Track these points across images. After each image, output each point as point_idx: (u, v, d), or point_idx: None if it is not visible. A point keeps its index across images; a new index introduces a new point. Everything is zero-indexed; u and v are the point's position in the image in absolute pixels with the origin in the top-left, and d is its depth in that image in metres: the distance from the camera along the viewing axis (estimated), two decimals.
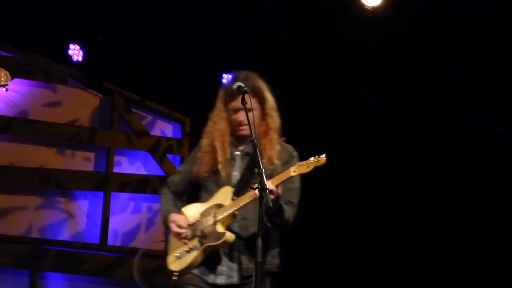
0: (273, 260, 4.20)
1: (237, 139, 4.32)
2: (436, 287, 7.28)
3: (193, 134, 8.24)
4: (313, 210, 7.69)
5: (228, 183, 4.20)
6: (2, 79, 4.16)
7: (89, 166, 7.99)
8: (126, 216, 8.02)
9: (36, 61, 7.74)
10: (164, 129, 8.34)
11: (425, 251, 7.36)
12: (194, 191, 4.42)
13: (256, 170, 3.86)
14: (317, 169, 3.93)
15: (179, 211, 4.30)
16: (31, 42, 7.57)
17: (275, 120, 4.30)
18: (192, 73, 7.65)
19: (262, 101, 4.27)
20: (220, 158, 4.22)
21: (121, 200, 7.99)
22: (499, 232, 6.99)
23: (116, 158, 8.04)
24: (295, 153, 4.25)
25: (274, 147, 4.21)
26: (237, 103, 4.18)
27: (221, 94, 4.37)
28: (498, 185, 7.05)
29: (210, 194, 4.22)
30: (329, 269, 7.71)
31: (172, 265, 4.22)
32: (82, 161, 7.96)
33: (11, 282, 7.47)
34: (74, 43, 7.50)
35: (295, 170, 3.98)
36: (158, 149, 8.10)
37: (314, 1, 6.87)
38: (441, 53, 6.90)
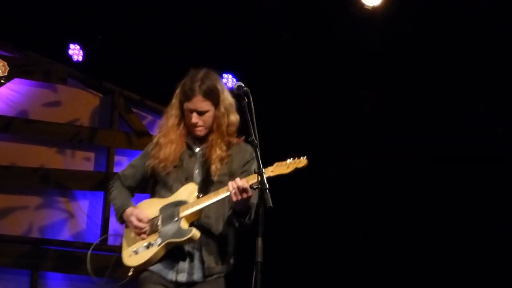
0: (230, 260, 4.20)
1: (195, 138, 4.29)
2: (436, 287, 7.28)
3: None
4: (313, 210, 7.71)
5: (191, 179, 4.16)
6: (0, 70, 4.12)
7: (89, 166, 7.99)
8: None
9: (36, 61, 7.75)
10: None
11: (425, 251, 7.36)
12: (145, 186, 4.37)
13: (256, 170, 3.86)
14: (297, 171, 3.88)
15: (136, 206, 4.26)
16: (31, 42, 7.58)
17: (230, 117, 4.26)
18: None
19: (216, 103, 4.24)
20: (173, 151, 4.19)
21: None
22: (499, 232, 6.99)
23: (116, 158, 8.04)
24: (254, 154, 4.16)
25: (218, 149, 4.19)
26: (191, 104, 4.19)
27: (178, 91, 4.35)
28: (498, 185, 7.05)
29: (170, 190, 4.18)
30: (329, 269, 7.71)
31: (128, 260, 4.19)
32: (82, 161, 7.96)
33: (12, 282, 7.47)
34: (74, 43, 7.50)
35: (273, 170, 3.93)
36: None
37: (314, 1, 6.87)
38: (441, 53, 6.90)
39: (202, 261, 4.10)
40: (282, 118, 7.51)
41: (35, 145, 7.76)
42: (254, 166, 4.10)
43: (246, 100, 4.02)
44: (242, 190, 3.91)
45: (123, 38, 7.49)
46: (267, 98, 7.05)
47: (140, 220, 4.14)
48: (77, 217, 7.83)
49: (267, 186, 3.80)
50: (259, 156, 3.89)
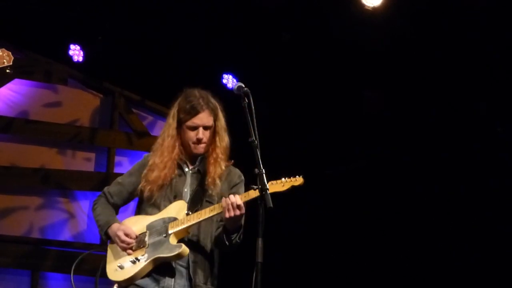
0: (215, 281, 4.19)
1: (189, 157, 4.28)
2: (436, 287, 7.29)
3: None
4: (313, 210, 7.71)
5: (179, 198, 4.16)
6: (5, 60, 4.11)
7: (90, 166, 8.00)
8: (126, 216, 7.96)
9: (37, 61, 7.76)
10: None
11: (425, 251, 7.36)
12: (128, 203, 4.39)
13: (256, 170, 3.86)
14: (294, 188, 3.88)
15: (122, 222, 4.24)
16: (31, 43, 7.59)
17: (224, 140, 4.27)
18: (192, 73, 7.65)
19: (215, 119, 4.25)
20: (164, 175, 4.18)
21: None
22: (499, 232, 6.99)
23: (117, 158, 8.05)
24: (243, 177, 4.23)
25: (219, 167, 4.20)
26: (198, 120, 4.19)
27: (174, 111, 4.34)
28: (498, 185, 7.05)
29: (158, 208, 4.17)
30: (329, 269, 7.71)
31: (113, 275, 4.13)
32: (83, 161, 7.97)
33: (12, 282, 7.48)
34: (74, 44, 7.51)
35: (268, 188, 3.86)
36: None
37: (314, 1, 6.86)
38: (441, 53, 6.90)
39: (189, 279, 4.08)
40: (282, 118, 7.51)
41: (36, 146, 7.77)
42: (242, 190, 4.17)
43: (246, 100, 4.02)
44: (236, 207, 3.91)
45: (123, 38, 7.49)
46: (267, 98, 7.06)
47: (127, 235, 4.12)
48: (77, 218, 7.84)
49: (267, 187, 3.80)
50: (259, 157, 3.88)
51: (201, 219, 4.01)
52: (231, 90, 4.68)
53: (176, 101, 4.36)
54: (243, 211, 3.93)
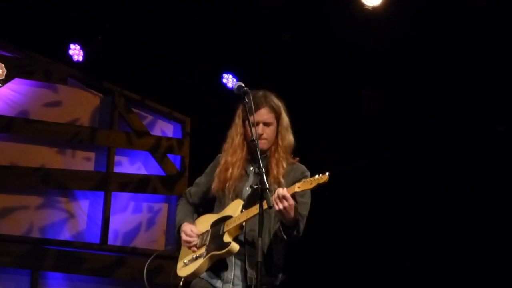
0: (277, 274, 4.29)
1: (253, 156, 4.34)
2: (436, 287, 7.29)
3: (193, 134, 8.25)
4: (313, 210, 7.70)
5: (239, 197, 4.27)
6: None
7: (90, 166, 8.00)
8: (126, 216, 8.03)
9: (37, 61, 7.76)
10: (165, 129, 8.36)
11: (425, 252, 7.36)
12: (209, 203, 4.53)
13: (256, 169, 3.89)
14: (319, 186, 3.97)
15: (193, 221, 4.44)
16: (31, 42, 7.59)
17: (287, 139, 4.37)
18: (192, 73, 7.66)
19: (278, 117, 4.35)
20: (234, 174, 4.30)
21: (121, 200, 8.01)
22: (499, 232, 6.99)
23: (117, 158, 8.05)
24: (307, 173, 4.29)
25: (281, 166, 4.28)
26: (258, 116, 4.26)
27: (239, 111, 4.41)
28: (499, 185, 7.05)
29: (223, 206, 4.32)
30: (329, 269, 7.72)
31: (180, 271, 4.35)
32: (83, 161, 7.97)
33: (12, 281, 7.48)
34: (74, 43, 7.51)
35: (300, 186, 4.02)
36: (159, 149, 8.12)
37: (314, 1, 6.87)
38: (441, 53, 6.90)
39: (245, 272, 4.19)
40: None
41: (36, 145, 7.77)
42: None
43: (246, 100, 4.05)
44: (282, 197, 3.95)
45: (123, 38, 7.49)
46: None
47: (188, 235, 4.30)
48: (77, 217, 7.83)
49: (267, 186, 3.85)
50: (259, 157, 3.92)
51: (249, 216, 4.11)
52: (231, 89, 4.70)
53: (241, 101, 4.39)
54: (291, 202, 3.97)
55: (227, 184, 4.30)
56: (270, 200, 3.85)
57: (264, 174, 3.88)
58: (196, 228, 4.34)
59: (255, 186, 3.94)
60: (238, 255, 4.18)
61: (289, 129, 4.41)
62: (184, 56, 7.53)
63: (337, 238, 7.69)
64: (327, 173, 3.97)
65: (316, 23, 7.03)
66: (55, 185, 7.73)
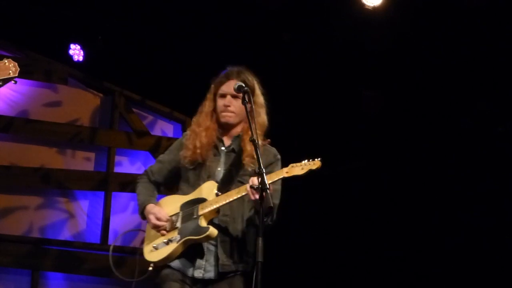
0: (249, 259, 4.20)
1: (223, 132, 4.30)
2: (437, 287, 7.29)
3: None
4: (313, 210, 7.71)
5: (212, 178, 4.19)
6: (11, 71, 4.11)
7: (90, 166, 8.00)
8: (126, 216, 8.03)
9: (37, 60, 7.75)
10: (165, 129, 8.35)
11: (425, 252, 7.37)
12: (172, 182, 4.40)
13: (256, 170, 3.87)
14: (311, 172, 3.89)
15: (157, 202, 4.30)
16: (32, 42, 7.58)
17: (261, 117, 4.29)
18: (192, 73, 7.65)
19: (252, 94, 4.24)
20: (205, 152, 4.21)
21: (121, 200, 8.00)
22: (499, 232, 6.99)
23: (117, 158, 8.05)
24: (278, 156, 4.24)
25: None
26: (226, 87, 4.24)
27: (212, 86, 4.39)
28: (499, 185, 7.05)
29: (193, 187, 4.21)
30: (329, 269, 7.72)
31: (148, 255, 4.23)
32: (83, 161, 7.97)
33: (12, 281, 7.48)
34: (74, 43, 7.51)
35: (288, 171, 3.96)
36: (159, 149, 8.09)
37: (314, 1, 6.87)
38: (442, 53, 6.90)
39: (217, 258, 4.13)
40: (282, 118, 7.50)
41: (36, 145, 7.77)
42: (277, 168, 4.16)
43: (247, 99, 4.03)
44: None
45: (123, 38, 7.49)
46: (267, 98, 7.05)
47: (158, 219, 4.18)
48: (77, 217, 7.83)
49: (268, 186, 3.82)
50: (259, 156, 3.89)
51: (227, 200, 4.04)
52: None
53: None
54: (270, 191, 3.89)
55: (197, 161, 4.19)
56: (270, 201, 3.81)
57: (264, 174, 3.81)
58: (164, 210, 4.21)
59: (255, 186, 3.86)
60: (211, 240, 4.10)
61: (264, 109, 4.32)
62: (184, 56, 7.53)
63: (337, 237, 7.69)
64: (319, 159, 3.92)
65: (316, 23, 7.03)
66: (55, 185, 7.73)
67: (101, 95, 8.14)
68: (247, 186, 3.94)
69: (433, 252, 7.30)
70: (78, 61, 7.54)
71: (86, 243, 7.76)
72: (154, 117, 8.33)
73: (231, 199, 4.03)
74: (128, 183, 7.94)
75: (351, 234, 7.66)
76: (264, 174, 3.83)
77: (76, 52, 7.52)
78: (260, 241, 3.76)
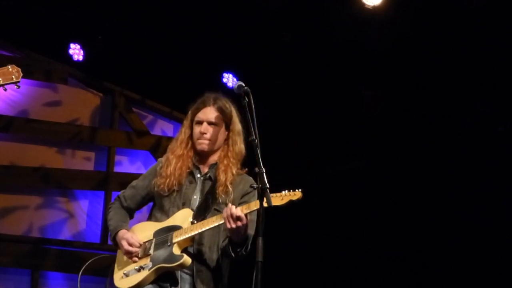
0: None
1: (200, 159, 4.26)
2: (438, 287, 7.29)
3: None
4: (313, 210, 7.71)
5: (188, 205, 4.13)
6: (14, 76, 4.12)
7: (90, 166, 8.00)
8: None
9: (37, 60, 7.75)
10: (165, 128, 8.35)
11: (425, 252, 7.37)
12: (142, 208, 4.36)
13: (256, 169, 3.85)
14: (291, 203, 3.84)
15: (130, 229, 4.24)
16: (31, 42, 7.58)
17: (237, 145, 4.25)
18: (192, 73, 7.65)
19: (228, 121, 4.24)
20: (178, 180, 4.16)
21: None
22: (499, 232, 6.99)
23: (117, 158, 8.05)
24: (255, 186, 4.06)
25: (229, 172, 4.16)
26: (202, 114, 4.21)
27: (188, 113, 4.36)
28: (499, 185, 7.05)
29: (166, 214, 4.15)
30: (329, 269, 7.71)
31: (118, 282, 4.14)
32: (83, 161, 7.97)
33: (12, 281, 7.48)
34: (74, 43, 7.51)
35: (268, 187, 3.85)
36: (159, 149, 8.10)
37: (314, 1, 6.87)
38: (442, 53, 6.90)
39: (193, 287, 4.06)
40: (282, 117, 7.51)
41: (36, 145, 7.77)
42: (254, 198, 4.08)
43: (247, 99, 4.01)
44: (236, 218, 3.87)
45: (123, 38, 7.49)
46: (267, 98, 7.06)
47: (130, 245, 4.13)
48: (77, 217, 7.83)
49: (267, 186, 3.80)
50: (259, 156, 3.88)
51: (203, 229, 3.98)
52: (231, 89, 4.68)
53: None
54: (245, 222, 3.88)
55: (172, 188, 4.13)
56: (271, 200, 3.78)
57: (264, 173, 3.79)
58: (137, 237, 4.14)
59: (255, 186, 3.85)
60: (186, 269, 4.04)
61: (241, 137, 4.26)
62: (184, 56, 7.53)
63: (337, 237, 7.69)
64: (299, 190, 3.86)
65: (316, 23, 7.03)
66: (55, 185, 7.73)
67: (101, 94, 8.14)
68: (224, 213, 3.89)
69: (433, 252, 7.30)
70: (78, 60, 7.54)
71: (86, 243, 7.76)
72: (154, 116, 8.33)
73: (207, 227, 3.98)
74: (128, 183, 7.92)
75: (351, 234, 7.65)
76: (264, 174, 3.77)
77: (76, 51, 7.52)
78: (260, 240, 3.72)
